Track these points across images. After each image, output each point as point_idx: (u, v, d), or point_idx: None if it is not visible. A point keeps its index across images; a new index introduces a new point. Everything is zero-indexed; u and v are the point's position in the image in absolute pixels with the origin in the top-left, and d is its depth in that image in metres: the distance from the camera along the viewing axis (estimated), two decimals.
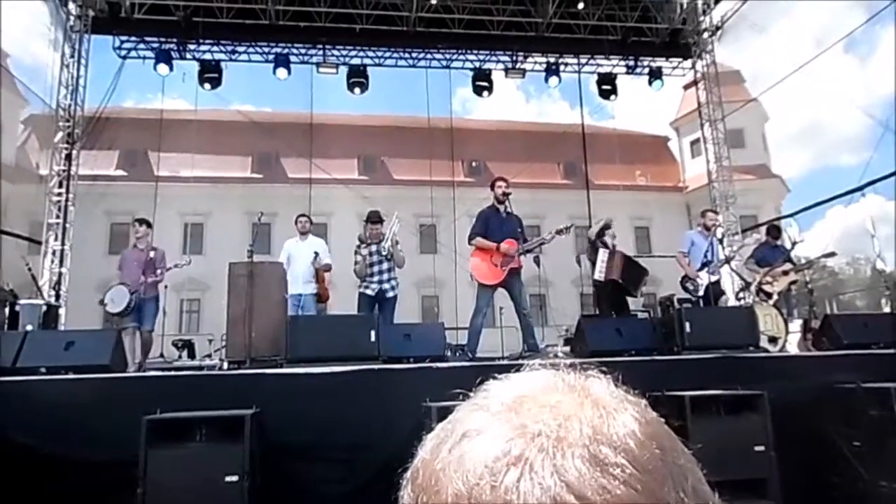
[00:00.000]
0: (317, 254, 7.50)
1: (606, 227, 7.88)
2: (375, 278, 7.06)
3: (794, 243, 7.94)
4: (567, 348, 7.59)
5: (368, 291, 7.04)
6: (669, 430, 0.45)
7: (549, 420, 0.42)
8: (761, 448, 4.04)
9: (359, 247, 7.19)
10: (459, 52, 14.13)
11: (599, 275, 7.52)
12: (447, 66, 14.52)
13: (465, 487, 0.39)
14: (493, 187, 6.96)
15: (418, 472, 0.44)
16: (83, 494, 3.85)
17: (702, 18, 14.09)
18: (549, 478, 0.38)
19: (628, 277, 7.51)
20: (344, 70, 13.41)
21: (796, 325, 7.25)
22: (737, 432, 4.12)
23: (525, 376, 0.49)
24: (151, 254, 7.61)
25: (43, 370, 4.74)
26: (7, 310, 8.04)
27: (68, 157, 11.78)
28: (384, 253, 7.05)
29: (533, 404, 0.44)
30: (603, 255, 7.57)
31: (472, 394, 0.49)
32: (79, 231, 11.86)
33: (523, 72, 14.39)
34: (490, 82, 13.86)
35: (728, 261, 7.85)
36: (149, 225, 7.91)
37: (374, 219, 7.31)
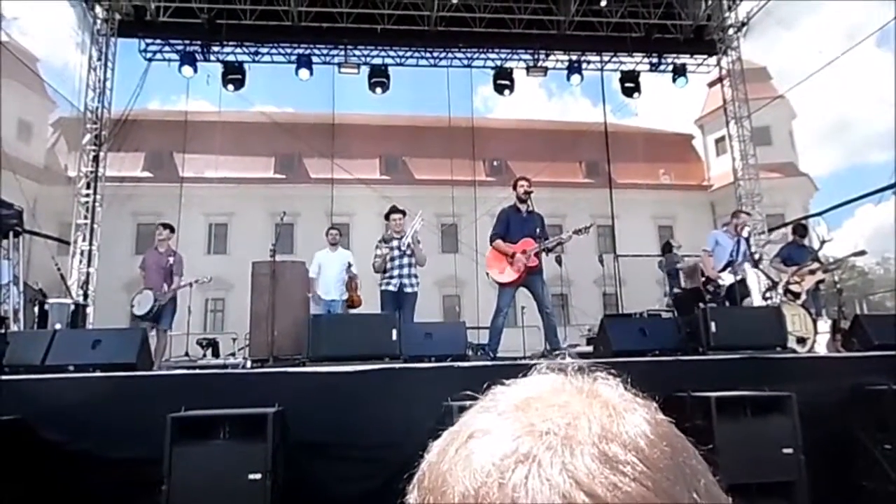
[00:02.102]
0: (350, 264, 8.16)
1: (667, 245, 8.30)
2: (395, 272, 7.09)
3: (822, 242, 7.78)
4: (590, 348, 7.55)
5: (390, 287, 7.07)
6: (679, 433, 0.44)
7: (557, 419, 0.41)
8: (789, 450, 3.96)
9: (380, 242, 7.27)
10: (481, 50, 14.11)
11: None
12: (468, 66, 14.51)
13: (473, 486, 0.39)
14: (515, 186, 6.92)
15: (425, 475, 0.44)
16: (110, 491, 3.91)
17: (727, 14, 13.89)
18: (558, 475, 0.37)
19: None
20: (365, 70, 13.47)
21: (825, 325, 7.10)
22: (764, 434, 4.04)
23: (532, 379, 0.48)
24: (171, 259, 7.93)
25: (71, 368, 4.83)
26: (37, 309, 8.23)
27: (96, 159, 12.00)
28: (403, 248, 7.06)
29: (541, 404, 0.43)
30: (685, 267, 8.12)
31: (481, 397, 0.48)
32: (106, 231, 12.07)
33: (545, 70, 14.31)
34: (511, 81, 13.81)
35: (757, 263, 7.74)
36: (172, 230, 8.21)
37: (396, 209, 7.46)
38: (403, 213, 7.44)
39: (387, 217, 7.51)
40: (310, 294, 7.87)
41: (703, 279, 7.84)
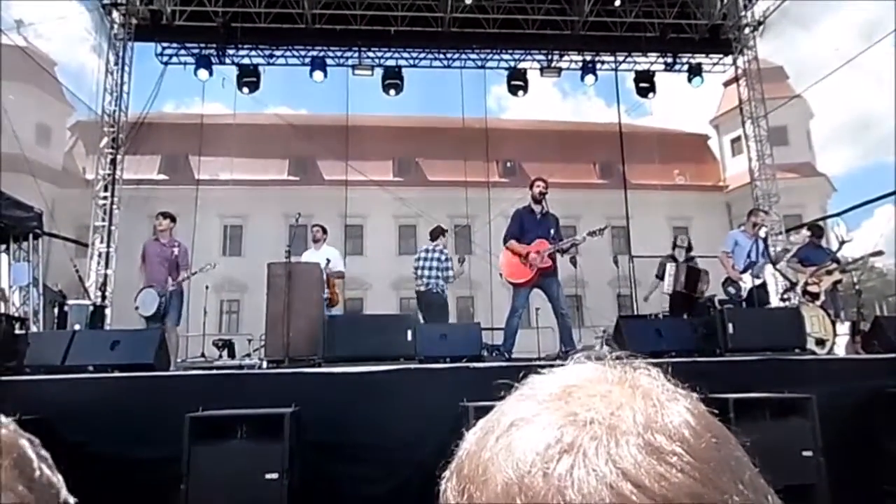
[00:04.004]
0: (328, 260, 7.59)
1: (674, 243, 8.64)
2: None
3: (841, 243, 7.68)
4: (606, 349, 7.53)
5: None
6: (722, 425, 0.44)
7: (600, 408, 0.40)
8: (809, 453, 3.91)
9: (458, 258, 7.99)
10: (494, 51, 14.09)
11: (668, 288, 8.21)
12: (482, 66, 14.50)
13: (516, 476, 0.38)
14: (531, 187, 6.89)
15: (464, 464, 0.43)
16: (129, 490, 3.94)
17: (743, 14, 13.77)
18: (604, 465, 0.37)
19: (688, 284, 8.11)
20: (379, 72, 13.50)
21: (844, 327, 7.01)
22: (784, 437, 3.99)
23: (571, 368, 0.47)
24: (175, 250, 7.41)
25: (90, 368, 4.88)
26: (56, 310, 8.34)
27: (113, 162, 12.13)
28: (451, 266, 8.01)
29: (582, 393, 0.42)
30: (671, 268, 8.22)
31: (512, 391, 0.47)
32: (124, 234, 12.18)
33: (559, 70, 14.26)
34: (525, 81, 13.78)
35: (775, 263, 7.67)
36: (172, 219, 7.70)
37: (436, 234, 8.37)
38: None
39: (440, 236, 8.28)
40: None
41: (723, 281, 7.80)
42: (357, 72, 13.61)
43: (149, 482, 3.85)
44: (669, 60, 14.16)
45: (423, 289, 8.00)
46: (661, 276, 8.53)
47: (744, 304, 7.36)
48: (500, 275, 6.99)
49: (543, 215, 6.74)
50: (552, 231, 6.62)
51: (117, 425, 4.15)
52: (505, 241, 6.77)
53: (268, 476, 3.57)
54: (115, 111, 12.34)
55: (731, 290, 7.60)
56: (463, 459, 0.44)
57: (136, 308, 7.34)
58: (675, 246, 8.63)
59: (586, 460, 0.37)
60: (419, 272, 8.05)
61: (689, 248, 8.59)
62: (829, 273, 7.55)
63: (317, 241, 8.14)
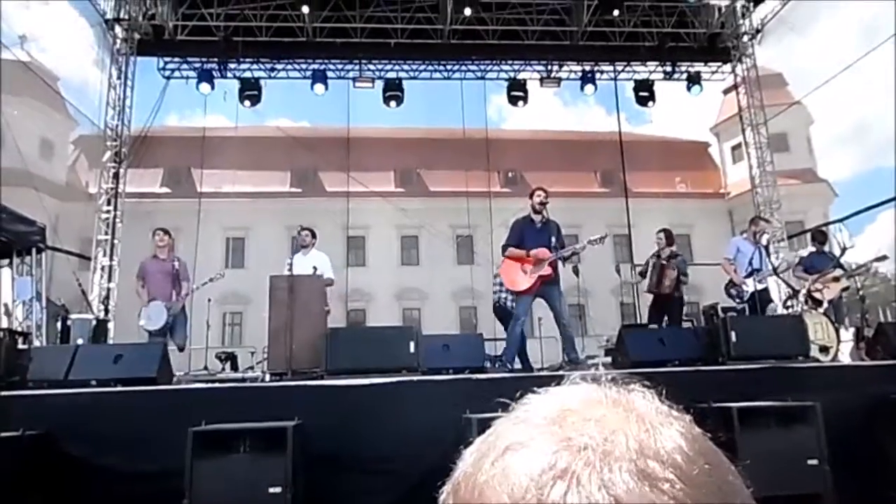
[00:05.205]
0: (315, 268, 7.24)
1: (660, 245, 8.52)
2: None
3: (843, 249, 7.67)
4: (608, 359, 7.51)
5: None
6: (716, 448, 0.44)
7: (594, 433, 0.41)
8: (815, 462, 3.89)
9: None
10: (494, 62, 14.16)
11: (646, 287, 8.33)
12: (482, 77, 14.56)
13: (510, 501, 0.39)
14: (531, 196, 6.86)
15: (460, 486, 0.44)
16: None
17: (741, 22, 13.83)
18: (597, 492, 0.37)
19: (658, 283, 8.18)
20: (380, 84, 13.57)
21: (848, 333, 6.98)
22: (788, 445, 3.97)
23: (566, 390, 0.48)
24: (175, 264, 7.53)
25: (93, 383, 4.88)
26: (59, 324, 8.34)
27: (116, 176, 12.17)
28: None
29: (577, 418, 0.43)
30: (653, 266, 8.27)
31: (513, 406, 0.48)
32: (126, 247, 12.20)
33: (559, 80, 14.31)
34: (525, 92, 13.84)
35: (776, 271, 7.66)
36: (170, 234, 7.81)
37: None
38: None
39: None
40: None
41: (726, 284, 7.80)
42: (358, 84, 13.69)
43: (151, 496, 3.84)
44: (668, 69, 14.21)
45: (494, 304, 7.98)
46: (643, 275, 8.49)
47: (746, 307, 7.36)
48: (502, 284, 6.97)
49: (544, 224, 6.68)
50: (553, 239, 6.58)
51: (120, 439, 4.15)
52: (503, 252, 6.74)
53: (271, 490, 3.57)
54: (117, 125, 12.39)
55: (734, 291, 7.60)
56: (459, 481, 0.44)
57: (142, 324, 7.36)
58: (656, 240, 8.54)
59: (580, 487, 0.37)
60: (493, 289, 8.04)
61: (670, 241, 8.40)
62: (837, 280, 7.53)
63: (305, 247, 7.77)
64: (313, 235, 7.91)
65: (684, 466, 0.39)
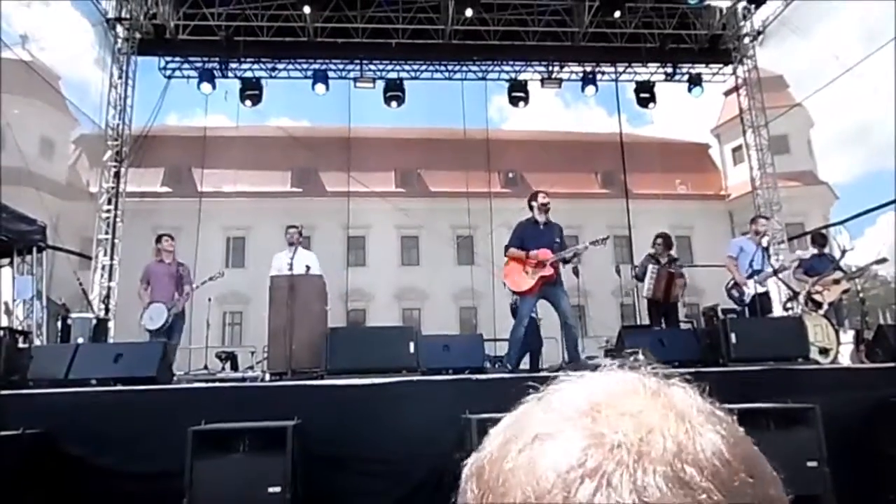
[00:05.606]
0: (308, 267, 7.12)
1: (654, 241, 8.46)
2: None
3: (843, 251, 7.67)
4: (608, 360, 7.50)
5: None
6: (758, 452, 0.41)
7: (629, 431, 0.38)
8: (814, 464, 3.89)
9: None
10: (495, 63, 14.14)
11: (648, 292, 8.11)
12: (483, 78, 14.55)
13: (535, 495, 0.37)
14: (533, 199, 6.85)
15: (485, 469, 0.42)
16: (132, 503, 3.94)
17: (742, 23, 13.82)
18: (629, 496, 0.35)
19: (665, 293, 8.02)
20: (381, 84, 13.57)
21: (848, 336, 6.98)
22: (788, 447, 3.97)
23: (602, 378, 0.45)
24: (180, 269, 7.84)
25: (93, 382, 4.89)
26: (60, 323, 8.35)
27: (117, 175, 12.16)
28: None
29: (612, 411, 0.40)
30: (652, 271, 8.10)
31: (538, 393, 0.45)
32: (127, 246, 12.20)
33: (559, 81, 14.31)
34: (526, 92, 13.83)
35: (777, 273, 7.66)
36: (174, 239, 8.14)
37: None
38: None
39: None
40: None
41: (728, 284, 7.79)
42: (359, 84, 13.68)
43: (151, 495, 3.84)
44: (669, 70, 14.21)
45: (511, 305, 7.97)
46: (640, 278, 8.37)
47: (746, 309, 7.36)
48: (504, 284, 6.97)
49: (546, 226, 6.70)
50: (556, 241, 6.59)
51: (120, 438, 4.15)
52: (505, 252, 6.74)
53: (271, 489, 3.57)
54: (118, 124, 12.39)
55: (735, 293, 7.59)
56: (484, 463, 0.42)
57: (143, 323, 7.51)
58: (654, 244, 8.46)
59: (610, 489, 0.35)
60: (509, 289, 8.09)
61: (668, 246, 8.40)
62: (837, 282, 7.53)
63: (293, 245, 7.67)
64: (300, 234, 7.91)
65: (724, 475, 0.37)
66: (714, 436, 0.39)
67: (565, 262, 6.62)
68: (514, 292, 6.84)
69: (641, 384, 0.44)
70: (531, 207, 6.75)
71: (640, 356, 0.50)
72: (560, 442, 0.39)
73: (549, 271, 6.40)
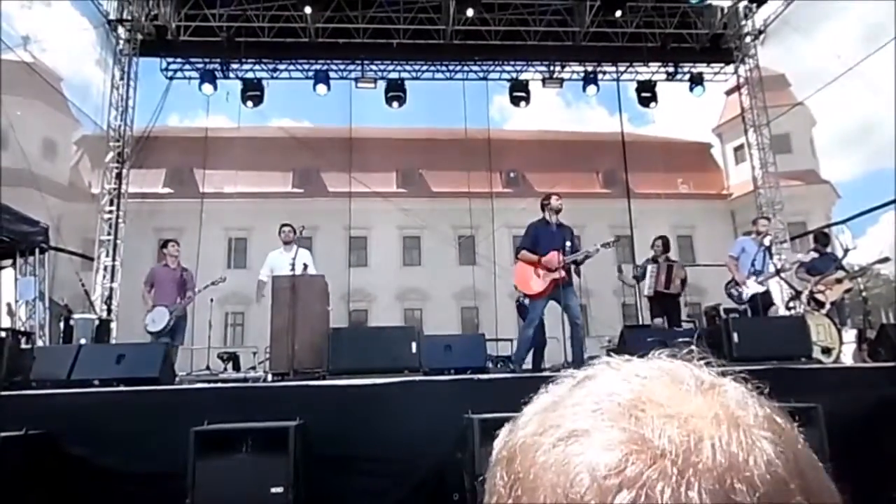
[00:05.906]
0: (305, 266, 7.12)
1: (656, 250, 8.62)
2: None
3: (846, 251, 7.66)
4: (696, 350, 7.54)
5: None
6: (819, 466, 0.38)
7: (675, 437, 0.35)
8: None
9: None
10: (496, 63, 14.16)
11: (649, 290, 8.26)
12: (484, 78, 14.57)
13: (566, 496, 0.34)
14: (546, 200, 6.83)
15: (516, 455, 0.39)
16: None
17: (744, 23, 13.82)
18: None
19: (666, 281, 8.19)
20: (382, 84, 13.58)
21: (851, 335, 6.97)
22: None
23: (648, 368, 0.41)
24: (184, 274, 8.01)
25: (96, 382, 4.89)
26: (62, 324, 8.37)
27: (118, 176, 12.18)
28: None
29: (658, 412, 0.36)
30: (652, 270, 8.26)
31: (578, 377, 0.42)
32: (129, 247, 12.22)
33: (561, 81, 14.31)
34: (527, 92, 13.84)
35: (779, 272, 7.66)
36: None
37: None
38: None
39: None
40: (263, 296, 7.43)
41: (728, 283, 7.81)
42: (360, 84, 13.70)
43: (154, 496, 3.85)
44: (671, 70, 14.21)
45: (517, 302, 8.03)
46: (640, 279, 8.58)
47: (747, 308, 7.36)
48: (516, 287, 6.96)
49: (558, 227, 6.69)
50: (567, 243, 6.56)
51: (122, 439, 4.16)
52: (517, 254, 6.74)
53: (273, 490, 3.57)
54: (120, 126, 12.41)
55: (734, 292, 7.60)
56: (515, 448, 0.40)
57: (146, 325, 7.64)
58: (653, 246, 8.69)
59: (649, 502, 0.32)
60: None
61: (666, 248, 8.61)
62: (839, 282, 7.52)
63: (288, 243, 7.75)
64: (294, 232, 7.93)
65: (774, 495, 0.33)
66: (769, 447, 0.36)
67: (577, 264, 6.62)
68: (525, 295, 6.84)
69: (692, 377, 0.40)
70: (544, 208, 6.76)
71: (693, 348, 0.45)
72: (598, 442, 0.36)
73: (560, 274, 6.40)
